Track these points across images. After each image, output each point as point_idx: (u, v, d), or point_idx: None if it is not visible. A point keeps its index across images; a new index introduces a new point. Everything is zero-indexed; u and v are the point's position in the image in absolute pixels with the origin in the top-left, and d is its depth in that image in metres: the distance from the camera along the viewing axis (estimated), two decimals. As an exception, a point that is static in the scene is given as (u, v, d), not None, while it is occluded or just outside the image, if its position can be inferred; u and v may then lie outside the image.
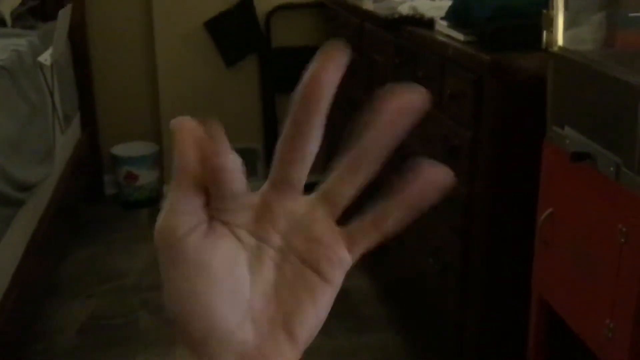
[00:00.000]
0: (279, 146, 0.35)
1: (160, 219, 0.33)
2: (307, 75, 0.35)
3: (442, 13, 1.98)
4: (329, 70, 0.34)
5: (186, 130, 0.35)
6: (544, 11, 1.40)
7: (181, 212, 0.33)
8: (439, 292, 1.98)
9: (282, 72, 3.28)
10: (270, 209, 0.35)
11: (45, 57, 2.52)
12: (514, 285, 1.71)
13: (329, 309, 0.35)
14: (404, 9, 2.19)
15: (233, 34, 3.25)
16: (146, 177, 3.27)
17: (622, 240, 1.19)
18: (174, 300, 0.33)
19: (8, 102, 2.08)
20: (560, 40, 1.40)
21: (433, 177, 0.37)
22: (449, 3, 1.97)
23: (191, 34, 3.23)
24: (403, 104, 0.35)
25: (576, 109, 1.37)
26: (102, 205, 3.33)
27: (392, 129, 0.35)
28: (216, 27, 3.23)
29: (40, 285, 2.35)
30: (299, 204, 0.35)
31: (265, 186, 0.36)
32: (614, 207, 1.23)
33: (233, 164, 0.34)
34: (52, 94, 2.57)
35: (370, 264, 2.48)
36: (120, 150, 3.27)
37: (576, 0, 1.43)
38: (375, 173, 0.35)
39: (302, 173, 0.35)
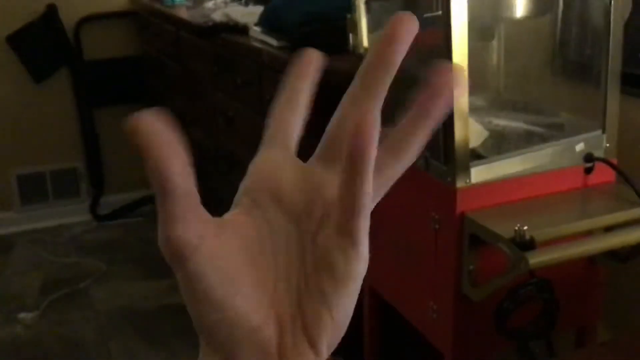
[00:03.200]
0: (336, 117, 0.35)
1: (164, 232, 0.29)
2: (379, 37, 0.33)
3: (255, 19, 2.00)
4: (403, 31, 0.33)
5: (152, 131, 0.28)
6: (348, 16, 1.47)
7: (181, 223, 0.29)
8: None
9: (98, 85, 3.14)
10: (311, 185, 0.33)
11: None
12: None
13: (349, 315, 0.33)
14: (218, 16, 2.18)
15: (39, 48, 3.06)
16: None
17: (436, 226, 1.28)
18: (201, 313, 0.31)
19: None
20: (365, 42, 1.47)
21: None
22: (261, 9, 2.00)
23: (-8, 50, 2.99)
24: (440, 89, 0.33)
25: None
26: None
27: (430, 114, 0.33)
28: (20, 41, 3.02)
29: None
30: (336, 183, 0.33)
31: (312, 159, 0.34)
32: (426, 196, 1.32)
33: None
34: None
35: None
36: None
37: (377, 3, 1.50)
38: (415, 157, 0.34)
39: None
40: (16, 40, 3.01)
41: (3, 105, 3.04)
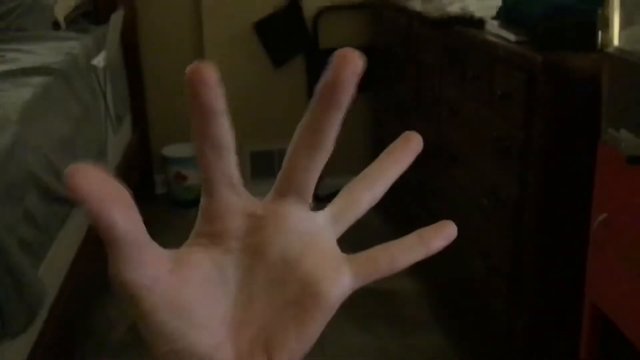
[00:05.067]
0: (289, 154, 0.34)
1: (117, 275, 0.30)
2: (322, 81, 0.33)
3: (492, 13, 1.95)
4: (346, 76, 0.32)
5: (93, 182, 0.28)
6: (600, 10, 1.36)
7: (138, 264, 0.30)
8: (488, 295, 1.94)
9: (329, 73, 3.28)
10: (272, 220, 0.33)
11: (99, 60, 2.58)
12: (565, 289, 1.67)
13: (316, 336, 0.33)
14: (454, 9, 2.16)
15: (281, 36, 3.27)
16: (195, 177, 3.31)
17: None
18: (154, 343, 0.31)
19: (62, 103, 2.14)
20: (616, 40, 1.35)
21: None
22: (499, 2, 1.94)
23: (240, 36, 3.26)
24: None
25: (633, 111, 1.33)
26: (153, 205, 3.39)
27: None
28: (265, 28, 3.26)
29: (92, 282, 2.41)
30: (306, 218, 0.34)
31: (269, 195, 0.35)
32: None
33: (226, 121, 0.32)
34: (104, 96, 2.63)
35: (416, 265, 2.46)
36: (170, 151, 3.33)
37: (633, -2, 1.38)
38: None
39: (310, 182, 0.34)
40: (262, 27, 3.25)
41: (246, 86, 3.31)
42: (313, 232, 0.34)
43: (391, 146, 0.37)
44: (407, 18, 2.58)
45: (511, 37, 1.75)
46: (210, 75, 0.31)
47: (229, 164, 0.33)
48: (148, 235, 0.31)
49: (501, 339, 1.87)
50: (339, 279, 0.33)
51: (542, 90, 1.59)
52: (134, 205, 0.30)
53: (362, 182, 0.36)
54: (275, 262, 0.33)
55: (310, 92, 3.51)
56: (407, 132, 0.37)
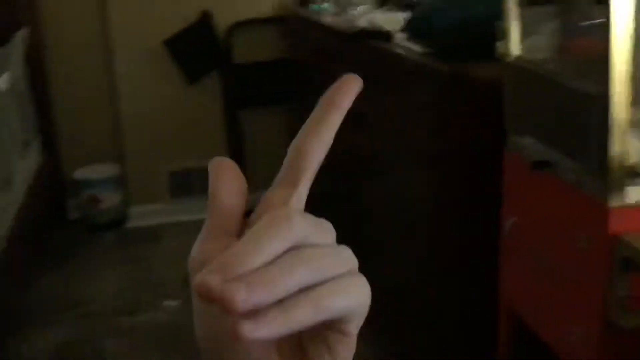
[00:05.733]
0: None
1: (194, 248, 0.34)
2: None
3: (398, 26, 1.99)
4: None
5: (222, 162, 0.35)
6: (499, 22, 1.42)
7: (211, 241, 0.34)
8: (406, 306, 1.97)
9: (245, 87, 3.27)
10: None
11: (1, 83, 2.47)
12: (482, 294, 1.71)
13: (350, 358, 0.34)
14: (363, 23, 2.20)
15: (194, 51, 3.23)
16: (110, 200, 3.22)
17: (585, 246, 1.20)
18: (205, 336, 0.33)
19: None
20: (515, 50, 1.41)
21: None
22: (405, 15, 1.99)
23: (151, 53, 3.20)
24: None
25: (534, 117, 1.38)
26: (66, 231, 3.26)
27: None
28: (176, 44, 3.21)
29: (3, 315, 2.29)
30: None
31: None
32: (575, 214, 1.24)
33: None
34: (8, 120, 2.51)
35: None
36: (83, 173, 3.22)
37: (530, 10, 1.44)
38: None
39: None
40: (173, 43, 3.21)
41: (160, 104, 3.25)
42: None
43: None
44: (319, 32, 2.61)
45: (418, 49, 1.80)
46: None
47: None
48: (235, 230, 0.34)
49: (422, 343, 1.90)
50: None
51: (450, 100, 1.64)
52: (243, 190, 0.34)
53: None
54: None
55: (227, 107, 3.46)
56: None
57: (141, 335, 2.44)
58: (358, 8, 2.57)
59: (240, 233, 0.34)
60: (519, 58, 1.42)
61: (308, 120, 0.36)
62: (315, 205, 0.38)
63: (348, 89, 0.36)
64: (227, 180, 0.34)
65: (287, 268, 0.29)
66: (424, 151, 1.76)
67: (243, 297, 0.27)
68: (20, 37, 2.65)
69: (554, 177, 1.26)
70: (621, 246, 1.12)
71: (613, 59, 1.07)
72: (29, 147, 2.83)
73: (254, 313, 0.28)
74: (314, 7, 2.84)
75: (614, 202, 1.12)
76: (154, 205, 3.31)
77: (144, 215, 3.29)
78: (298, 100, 3.07)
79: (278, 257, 0.29)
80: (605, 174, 1.12)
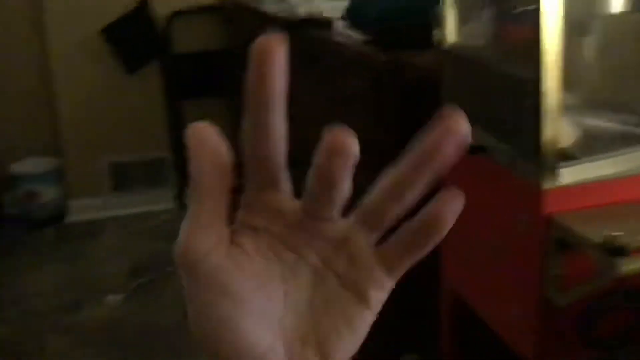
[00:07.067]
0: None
1: (180, 237, 0.31)
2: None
3: (339, 13, 2.00)
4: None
5: (201, 137, 0.31)
6: (436, 9, 1.44)
7: (201, 228, 0.31)
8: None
9: (185, 78, 3.23)
10: (308, 225, 0.33)
11: None
12: (424, 279, 1.74)
13: (366, 334, 0.35)
14: (302, 11, 2.19)
15: (132, 40, 3.17)
16: (48, 194, 3.13)
17: (521, 227, 1.24)
18: (200, 326, 0.32)
19: None
20: (451, 37, 1.43)
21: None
22: (344, 3, 1.99)
23: (88, 42, 3.12)
24: (448, 131, 0.32)
25: (470, 103, 1.41)
26: (3, 227, 3.17)
27: (436, 157, 0.33)
28: (114, 33, 3.14)
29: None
30: (337, 225, 0.34)
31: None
32: (510, 196, 1.27)
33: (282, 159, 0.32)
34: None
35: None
36: (19, 167, 3.12)
37: (465, -3, 1.47)
38: (416, 198, 0.34)
39: (336, 203, 0.34)
40: (111, 32, 3.13)
41: (97, 95, 3.17)
42: (348, 238, 0.34)
43: (426, 135, 0.33)
44: (259, 20, 2.59)
45: (359, 37, 1.81)
46: (278, 51, 0.30)
47: (282, 157, 0.33)
48: (222, 204, 0.31)
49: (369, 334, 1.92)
50: (378, 279, 0.34)
51: (388, 88, 1.66)
52: (229, 169, 0.31)
53: (389, 191, 0.34)
54: (317, 266, 0.33)
55: (167, 98, 3.41)
56: (448, 110, 0.32)
57: (83, 331, 2.39)
58: (298, -4, 2.56)
59: (229, 216, 0.32)
60: (455, 45, 1.45)
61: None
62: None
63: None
64: (210, 157, 0.31)
65: None
66: (361, 139, 1.77)
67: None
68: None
69: (490, 161, 1.29)
70: (555, 227, 1.16)
71: (544, 45, 1.10)
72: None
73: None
74: (254, -5, 2.82)
75: (547, 184, 1.16)
76: (94, 199, 3.24)
77: (84, 209, 3.21)
78: (239, 91, 3.04)
79: None
80: (538, 157, 1.15)
